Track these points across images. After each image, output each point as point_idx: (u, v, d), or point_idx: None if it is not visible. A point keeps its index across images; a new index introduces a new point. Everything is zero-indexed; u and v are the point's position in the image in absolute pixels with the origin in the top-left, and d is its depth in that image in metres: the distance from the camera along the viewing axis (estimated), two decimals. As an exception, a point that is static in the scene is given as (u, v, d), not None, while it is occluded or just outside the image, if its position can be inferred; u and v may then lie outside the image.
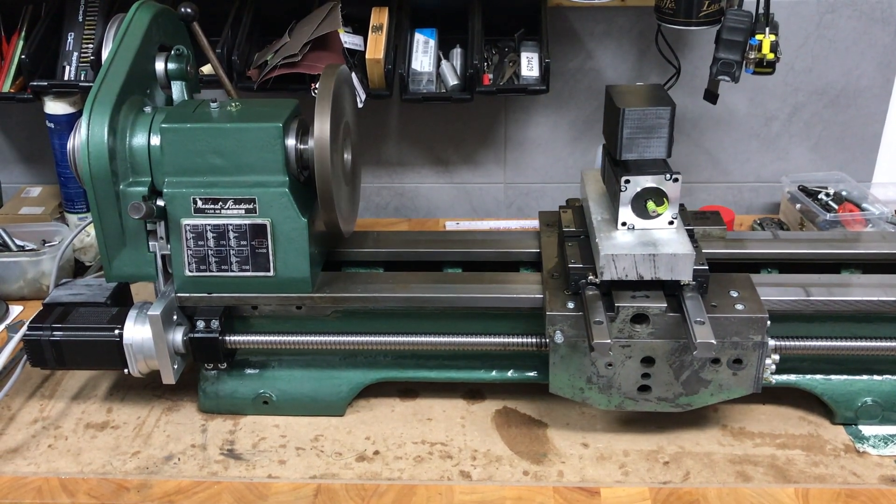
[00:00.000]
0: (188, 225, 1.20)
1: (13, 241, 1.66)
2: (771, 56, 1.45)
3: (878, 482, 1.14)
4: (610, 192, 1.24)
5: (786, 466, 1.17)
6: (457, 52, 1.70)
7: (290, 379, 1.31)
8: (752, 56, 1.46)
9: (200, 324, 1.23)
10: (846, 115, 1.83)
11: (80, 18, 1.70)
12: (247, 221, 1.20)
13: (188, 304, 1.25)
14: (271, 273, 1.22)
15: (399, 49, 1.63)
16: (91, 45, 1.68)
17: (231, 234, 1.21)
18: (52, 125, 1.72)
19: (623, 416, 1.28)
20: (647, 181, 1.14)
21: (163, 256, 1.23)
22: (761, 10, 1.46)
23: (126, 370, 1.24)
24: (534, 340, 1.22)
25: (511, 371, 1.30)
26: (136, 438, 1.26)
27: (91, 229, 1.69)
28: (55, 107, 1.70)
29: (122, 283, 1.34)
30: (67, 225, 1.79)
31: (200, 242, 1.21)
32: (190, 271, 1.23)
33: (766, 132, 1.86)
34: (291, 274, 1.22)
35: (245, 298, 1.25)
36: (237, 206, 1.20)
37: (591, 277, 1.16)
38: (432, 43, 1.68)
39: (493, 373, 1.30)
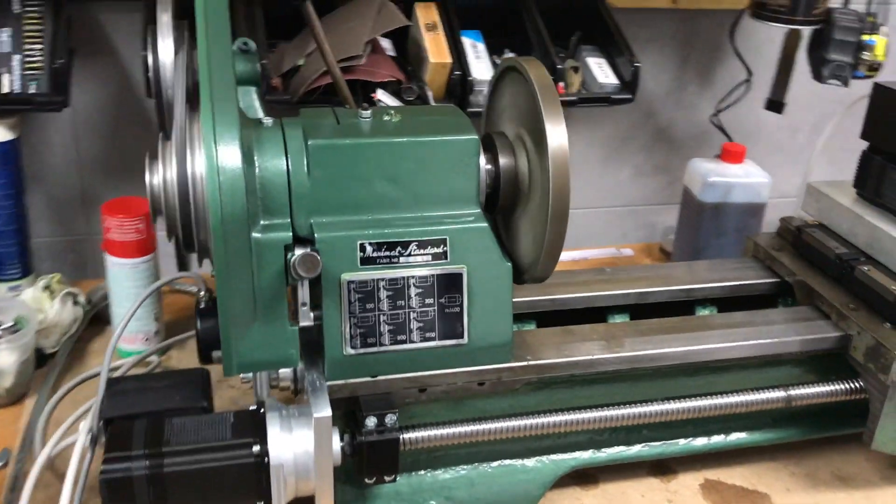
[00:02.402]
0: (352, 282, 0.84)
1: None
2: (883, 58, 1.34)
3: None
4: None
5: None
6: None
7: (463, 483, 0.97)
8: (867, 57, 1.34)
9: (370, 421, 0.86)
10: None
11: (18, 9, 1.22)
12: (435, 271, 0.86)
13: (341, 395, 0.88)
14: (464, 340, 0.89)
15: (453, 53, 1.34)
16: (39, 46, 1.21)
17: (413, 291, 0.86)
18: (-25, 160, 1.23)
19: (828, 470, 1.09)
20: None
21: (307, 331, 0.86)
22: (873, 9, 1.35)
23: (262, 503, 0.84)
24: (782, 394, 1.00)
25: (721, 435, 1.06)
26: None
27: (47, 303, 1.22)
28: (-18, 133, 1.21)
29: (199, 373, 0.94)
30: (-6, 298, 1.28)
31: (369, 306, 0.85)
32: (352, 348, 0.86)
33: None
34: (490, 339, 0.90)
35: (421, 379, 0.90)
36: (422, 252, 0.86)
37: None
38: (481, 47, 1.40)
39: (702, 440, 1.05)
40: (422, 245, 0.86)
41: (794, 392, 1.01)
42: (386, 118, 0.89)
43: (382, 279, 0.85)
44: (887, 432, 1.01)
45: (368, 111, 0.89)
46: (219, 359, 0.88)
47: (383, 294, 0.85)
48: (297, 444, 0.82)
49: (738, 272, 1.18)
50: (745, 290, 1.16)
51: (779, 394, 1.01)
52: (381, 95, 1.24)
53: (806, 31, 1.39)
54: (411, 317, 0.87)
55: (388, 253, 0.85)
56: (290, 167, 0.83)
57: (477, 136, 0.87)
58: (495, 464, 0.98)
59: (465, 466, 0.98)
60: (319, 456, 0.82)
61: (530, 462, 0.99)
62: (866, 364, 1.00)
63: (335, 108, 0.91)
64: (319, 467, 0.83)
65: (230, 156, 0.76)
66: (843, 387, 1.03)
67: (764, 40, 1.56)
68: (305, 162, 0.83)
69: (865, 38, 1.33)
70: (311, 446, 0.82)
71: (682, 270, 1.18)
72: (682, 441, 1.05)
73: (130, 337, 1.23)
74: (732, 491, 1.06)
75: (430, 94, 1.29)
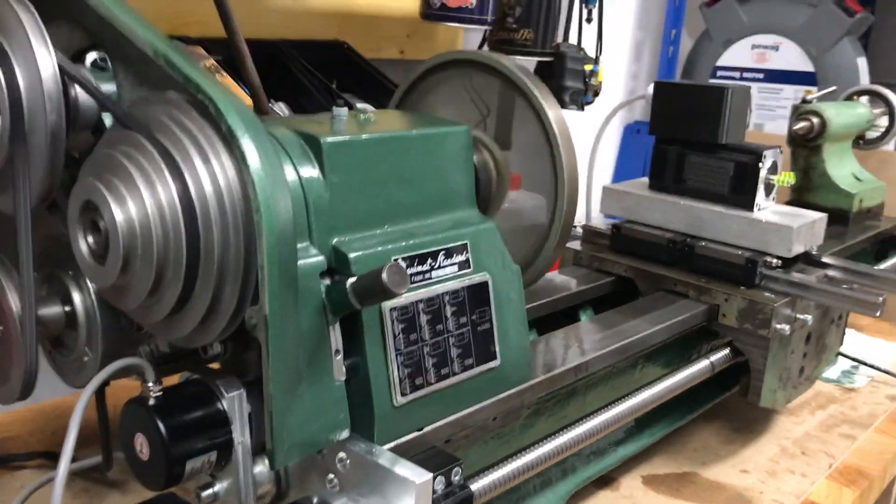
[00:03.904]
0: (395, 310, 0.67)
1: None
2: (601, 82, 1.51)
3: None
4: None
5: None
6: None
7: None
8: (593, 83, 1.49)
9: (438, 485, 0.68)
10: None
11: None
12: (464, 283, 0.73)
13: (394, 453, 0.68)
14: (497, 362, 0.76)
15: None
16: None
17: (449, 311, 0.72)
18: None
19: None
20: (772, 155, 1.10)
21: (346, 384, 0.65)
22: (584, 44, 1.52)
23: None
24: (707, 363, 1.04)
25: (642, 434, 1.06)
26: None
27: None
28: None
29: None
30: None
31: (412, 337, 0.68)
32: (403, 395, 0.68)
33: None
34: (515, 357, 0.78)
35: (464, 421, 0.74)
36: (449, 262, 0.72)
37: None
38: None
39: (631, 445, 1.04)
40: (448, 254, 0.72)
41: (714, 359, 1.06)
42: (363, 117, 0.74)
43: (421, 301, 0.69)
44: (771, 386, 1.11)
45: (343, 110, 0.73)
46: (193, 473, 0.64)
47: (423, 319, 0.69)
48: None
49: (579, 279, 1.21)
50: (595, 293, 1.19)
51: (704, 363, 1.05)
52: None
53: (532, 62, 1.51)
54: (450, 343, 0.72)
55: (420, 268, 0.70)
56: (300, 174, 0.64)
57: (467, 127, 0.77)
58: (506, 511, 0.85)
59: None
60: (415, 539, 0.63)
61: (538, 497, 0.88)
62: (742, 326, 1.09)
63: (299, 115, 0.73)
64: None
65: (269, 156, 0.56)
66: (724, 353, 1.10)
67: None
68: (319, 167, 0.65)
69: (588, 67, 1.49)
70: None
71: (541, 284, 1.16)
72: (619, 449, 1.02)
73: None
74: (670, 478, 1.06)
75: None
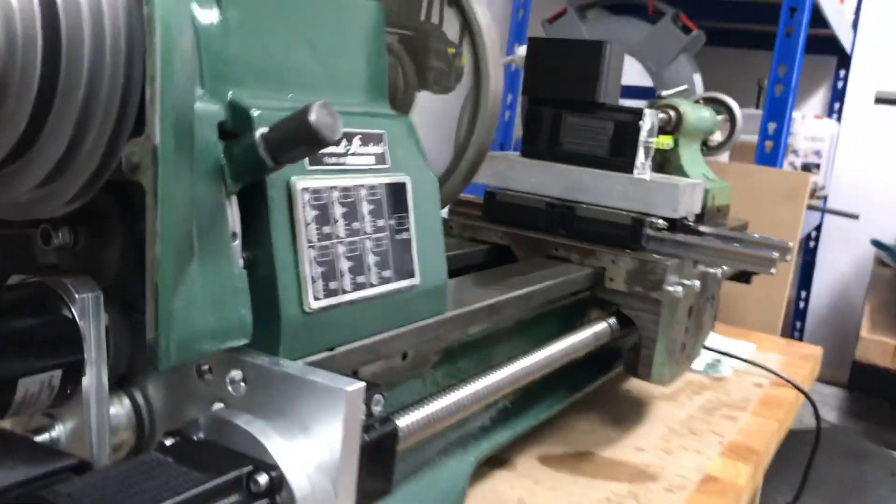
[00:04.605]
0: (307, 190, 0.53)
1: None
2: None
3: None
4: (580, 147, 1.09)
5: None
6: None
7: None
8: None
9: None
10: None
11: None
12: (382, 180, 0.60)
13: (298, 384, 0.53)
14: (416, 280, 0.63)
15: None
16: None
17: (366, 207, 0.58)
18: None
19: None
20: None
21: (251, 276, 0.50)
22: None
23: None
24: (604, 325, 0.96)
25: (534, 409, 0.95)
26: None
27: None
28: None
29: None
30: None
31: (326, 230, 0.55)
32: (316, 299, 0.53)
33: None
34: (433, 279, 0.65)
35: (377, 348, 0.60)
36: (365, 150, 0.59)
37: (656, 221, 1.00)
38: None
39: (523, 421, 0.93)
40: (364, 141, 0.59)
41: (603, 325, 0.98)
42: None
43: (335, 188, 0.56)
44: (660, 359, 1.04)
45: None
46: (28, 402, 0.47)
47: (338, 212, 0.56)
48: (312, 452, 0.47)
49: (450, 246, 1.10)
50: (468, 260, 1.09)
51: (597, 327, 0.97)
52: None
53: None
54: (367, 246, 0.58)
55: (334, 149, 0.56)
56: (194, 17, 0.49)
57: (380, 4, 0.65)
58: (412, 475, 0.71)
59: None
60: (347, 450, 0.48)
61: (447, 461, 0.74)
62: (632, 289, 1.02)
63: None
64: (345, 464, 0.48)
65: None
66: (611, 321, 1.03)
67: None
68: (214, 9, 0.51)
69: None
70: (336, 443, 0.47)
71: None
72: (512, 424, 0.91)
73: None
74: (567, 458, 0.96)
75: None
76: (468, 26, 0.73)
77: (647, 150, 1.08)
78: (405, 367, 0.67)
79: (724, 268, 1.16)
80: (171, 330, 0.44)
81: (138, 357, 0.53)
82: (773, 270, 0.97)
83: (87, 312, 0.49)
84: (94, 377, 0.50)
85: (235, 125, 0.49)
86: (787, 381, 1.30)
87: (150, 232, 0.42)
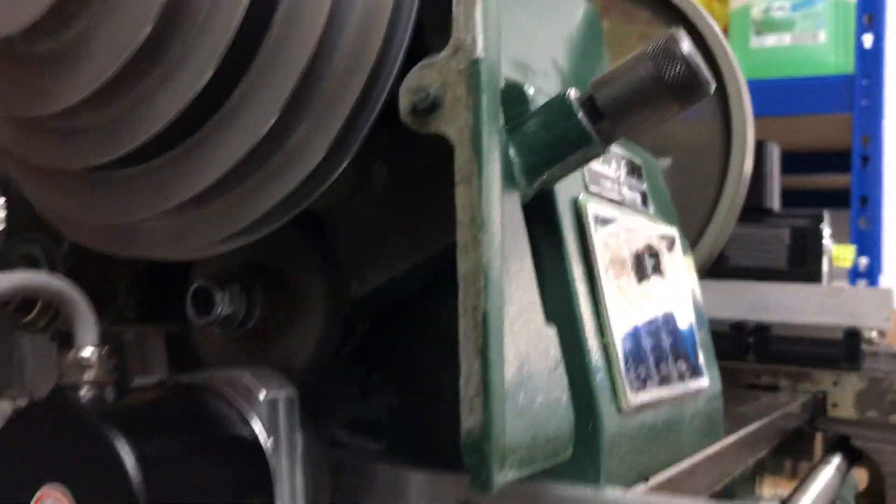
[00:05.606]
0: (599, 220, 0.34)
1: None
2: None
3: None
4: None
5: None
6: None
7: None
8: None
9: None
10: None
11: None
12: (657, 230, 0.41)
13: None
14: (705, 382, 0.42)
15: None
16: None
17: (649, 263, 0.39)
18: None
19: None
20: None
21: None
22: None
23: None
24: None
25: None
26: None
27: None
28: None
29: None
30: None
31: (622, 281, 0.35)
32: (632, 388, 0.32)
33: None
34: (716, 383, 0.44)
35: (695, 476, 0.38)
36: (632, 182, 0.41)
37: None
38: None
39: None
40: (631, 170, 0.41)
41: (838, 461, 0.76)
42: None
43: (624, 226, 0.37)
44: None
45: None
46: None
47: (628, 257, 0.36)
48: None
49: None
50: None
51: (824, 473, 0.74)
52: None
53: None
54: (660, 320, 0.38)
55: (605, 166, 0.38)
56: None
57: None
58: None
59: None
60: None
61: None
62: (864, 415, 0.80)
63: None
64: None
65: None
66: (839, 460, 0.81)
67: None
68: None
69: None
70: None
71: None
72: None
73: None
74: None
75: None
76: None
77: (829, 256, 0.91)
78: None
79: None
80: (502, 443, 0.23)
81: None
82: None
83: (279, 427, 0.29)
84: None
85: (507, 107, 0.31)
86: None
87: (466, 243, 0.23)
